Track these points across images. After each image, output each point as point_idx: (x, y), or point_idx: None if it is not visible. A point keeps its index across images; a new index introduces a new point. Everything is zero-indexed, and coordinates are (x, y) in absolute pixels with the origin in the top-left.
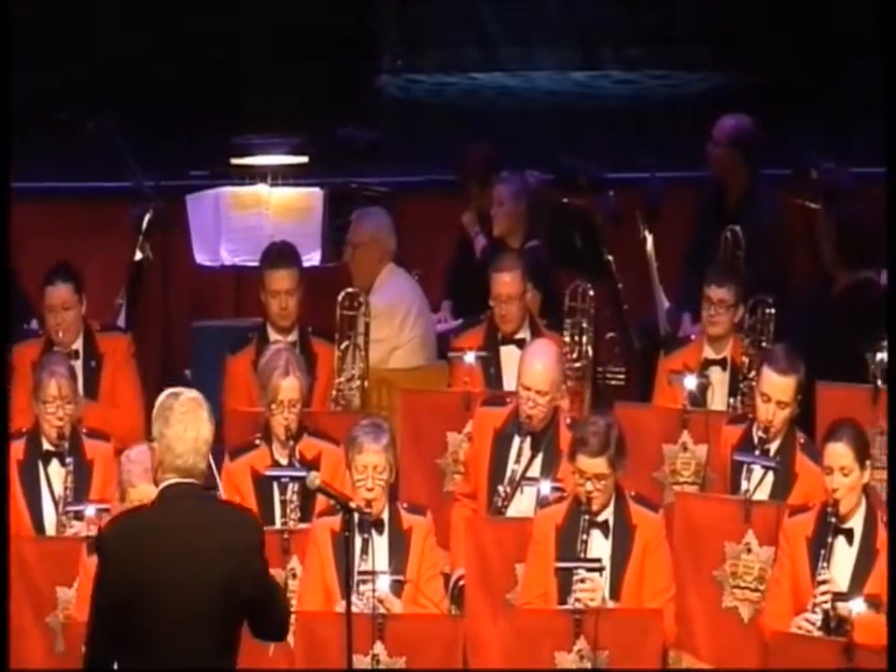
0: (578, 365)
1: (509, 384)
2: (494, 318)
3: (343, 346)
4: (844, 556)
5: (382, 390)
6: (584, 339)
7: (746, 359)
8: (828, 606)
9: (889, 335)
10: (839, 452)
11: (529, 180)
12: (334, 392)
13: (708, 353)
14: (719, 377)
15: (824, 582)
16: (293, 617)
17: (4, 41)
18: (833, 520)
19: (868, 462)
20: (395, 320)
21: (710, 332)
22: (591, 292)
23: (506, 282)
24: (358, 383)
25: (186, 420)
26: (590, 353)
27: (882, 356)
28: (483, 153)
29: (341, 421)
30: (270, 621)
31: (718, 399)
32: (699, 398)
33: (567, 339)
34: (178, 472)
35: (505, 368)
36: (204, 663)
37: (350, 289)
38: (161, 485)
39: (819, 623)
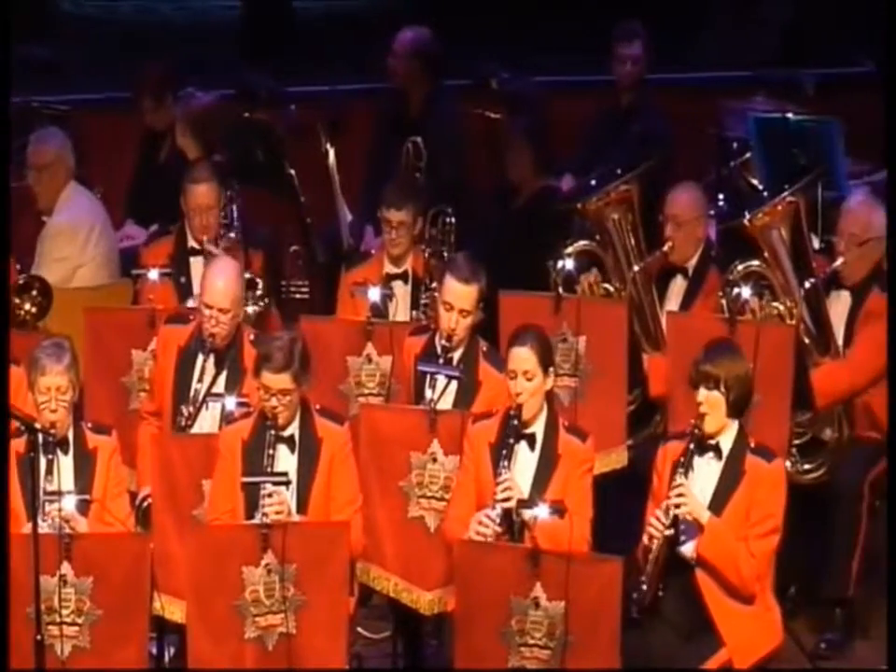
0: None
1: None
2: (183, 230)
3: None
4: (525, 462)
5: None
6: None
7: (427, 271)
8: (508, 504)
9: (889, 325)
10: (523, 356)
11: (207, 96)
12: None
13: (389, 268)
14: (401, 290)
15: (505, 480)
16: None
17: (3, 41)
18: (516, 423)
19: (551, 369)
20: (78, 238)
21: (393, 253)
22: None
23: (202, 192)
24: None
25: None
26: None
27: (563, 263)
28: (158, 70)
29: (21, 342)
30: None
31: (401, 311)
32: (382, 310)
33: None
34: None
35: (195, 279)
36: None
37: None
38: None
39: (498, 521)
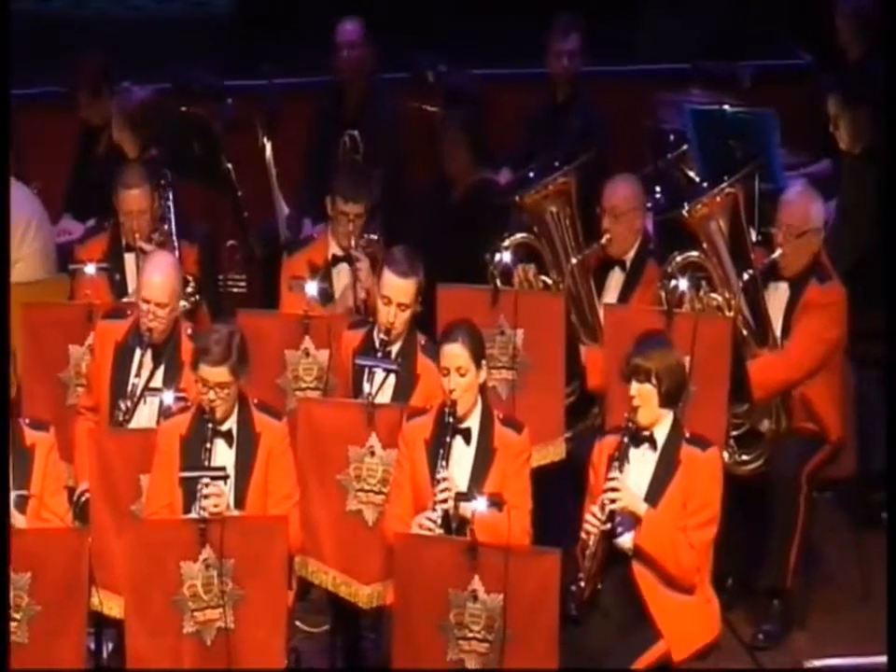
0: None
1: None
2: (118, 226)
3: None
4: (462, 456)
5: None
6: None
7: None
8: (447, 505)
9: (888, 323)
10: (455, 352)
11: (143, 91)
12: None
13: (336, 249)
14: (346, 273)
15: (443, 481)
16: None
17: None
18: (451, 420)
19: (484, 362)
20: (15, 234)
21: (344, 244)
22: None
23: (134, 196)
24: None
25: None
26: None
27: (500, 256)
28: (94, 64)
29: None
30: None
31: (341, 298)
32: (322, 301)
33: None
34: None
35: (130, 276)
36: None
37: None
38: None
39: (439, 522)
